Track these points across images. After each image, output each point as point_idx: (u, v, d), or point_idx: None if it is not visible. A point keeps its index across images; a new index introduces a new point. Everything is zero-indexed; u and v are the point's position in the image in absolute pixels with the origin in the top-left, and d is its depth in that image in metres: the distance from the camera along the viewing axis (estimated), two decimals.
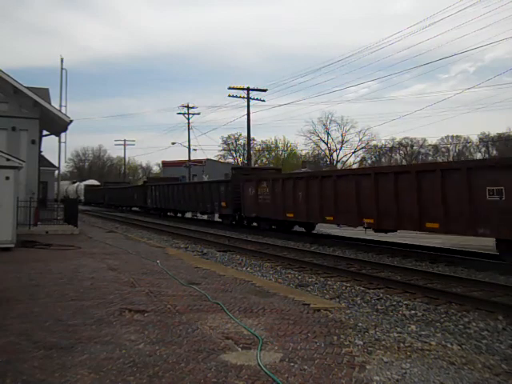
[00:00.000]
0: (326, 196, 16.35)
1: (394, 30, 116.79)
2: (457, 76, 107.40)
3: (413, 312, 7.24)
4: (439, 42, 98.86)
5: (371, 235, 16.46)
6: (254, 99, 35.87)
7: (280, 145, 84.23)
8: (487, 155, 76.87)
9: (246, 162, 46.58)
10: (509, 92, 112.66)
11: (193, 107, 49.49)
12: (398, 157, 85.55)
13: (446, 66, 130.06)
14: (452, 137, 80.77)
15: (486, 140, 77.99)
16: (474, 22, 64.66)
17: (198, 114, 50.19)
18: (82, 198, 63.19)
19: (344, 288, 9.13)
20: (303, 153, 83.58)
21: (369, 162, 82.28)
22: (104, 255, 12.22)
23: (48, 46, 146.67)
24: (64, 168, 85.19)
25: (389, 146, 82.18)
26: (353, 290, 8.92)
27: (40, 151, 21.65)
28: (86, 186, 65.64)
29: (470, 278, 9.68)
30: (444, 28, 70.41)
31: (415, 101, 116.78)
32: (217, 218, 28.44)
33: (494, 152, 76.92)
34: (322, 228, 21.89)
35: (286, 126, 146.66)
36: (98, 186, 67.37)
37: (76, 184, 71.34)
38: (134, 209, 46.79)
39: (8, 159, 13.85)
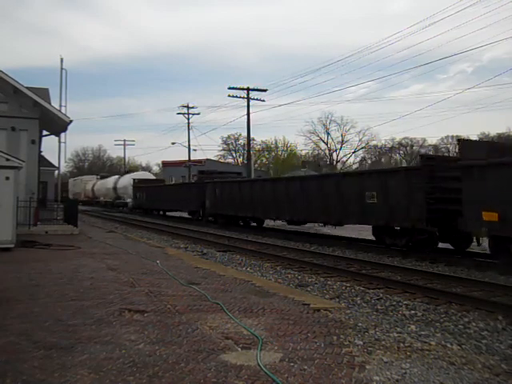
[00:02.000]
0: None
1: (393, 30, 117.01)
2: (455, 76, 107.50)
3: (413, 312, 7.24)
4: (439, 42, 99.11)
5: None
6: (253, 99, 35.90)
7: (280, 145, 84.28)
8: None
9: (245, 162, 46.55)
10: (508, 92, 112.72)
11: (193, 107, 49.60)
12: (397, 157, 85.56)
13: (445, 67, 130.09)
14: (452, 137, 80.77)
15: (485, 140, 77.95)
16: (474, 22, 64.70)
17: (198, 114, 50.30)
18: (128, 200, 42.27)
19: (344, 288, 9.13)
20: (303, 153, 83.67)
21: (369, 162, 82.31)
22: (104, 255, 12.21)
23: (48, 46, 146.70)
24: (64, 168, 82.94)
25: (389, 146, 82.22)
26: (353, 290, 8.92)
27: (40, 151, 21.66)
28: (137, 182, 40.59)
29: (469, 278, 9.68)
30: (444, 28, 70.60)
31: (415, 101, 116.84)
32: None
33: None
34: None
35: (285, 126, 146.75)
36: (156, 180, 45.33)
37: (113, 178, 49.51)
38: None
39: (8, 159, 13.85)
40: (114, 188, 48.11)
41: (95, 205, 55.97)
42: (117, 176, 50.79)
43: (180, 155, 78.88)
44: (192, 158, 50.06)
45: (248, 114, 35.13)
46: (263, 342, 4.97)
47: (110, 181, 50.25)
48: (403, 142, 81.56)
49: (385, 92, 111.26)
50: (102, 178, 56.38)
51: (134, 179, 41.89)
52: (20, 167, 14.42)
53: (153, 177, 49.30)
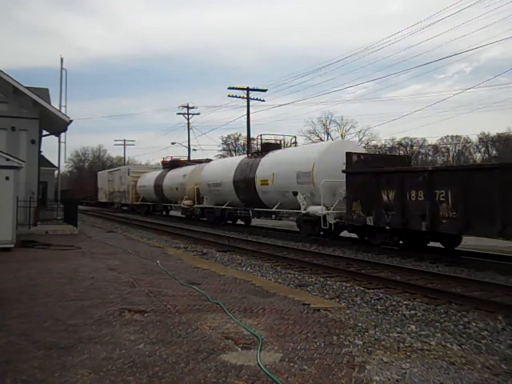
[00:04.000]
0: None
1: (392, 31, 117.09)
2: (453, 76, 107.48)
3: (412, 312, 7.24)
4: (437, 43, 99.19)
5: None
6: (253, 99, 35.95)
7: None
8: (487, 155, 76.88)
9: None
10: (508, 92, 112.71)
11: (193, 107, 49.61)
12: None
13: (444, 67, 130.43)
14: (452, 137, 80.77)
15: (485, 140, 77.93)
16: (472, 23, 64.79)
17: (198, 114, 50.29)
18: (318, 207, 16.37)
19: (344, 288, 9.13)
20: None
21: None
22: (104, 255, 12.21)
23: (48, 47, 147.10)
24: (64, 168, 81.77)
25: (389, 146, 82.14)
26: (352, 290, 8.91)
27: (40, 151, 21.66)
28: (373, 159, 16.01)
29: (469, 278, 9.68)
30: (442, 29, 70.64)
31: (414, 101, 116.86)
32: None
33: (494, 152, 76.92)
34: None
35: (285, 126, 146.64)
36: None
37: (229, 162, 25.32)
38: None
39: (8, 159, 13.84)
40: (247, 179, 21.37)
41: (156, 211, 36.61)
42: (234, 158, 27.30)
43: (180, 155, 78.22)
44: (192, 158, 50.02)
45: (248, 114, 35.16)
46: (263, 342, 4.97)
47: (225, 165, 25.02)
48: (403, 142, 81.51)
49: (384, 92, 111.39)
50: (174, 166, 33.90)
51: (355, 154, 16.11)
52: (20, 167, 14.41)
53: (361, 148, 23.20)
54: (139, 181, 38.75)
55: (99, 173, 53.28)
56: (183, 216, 31.11)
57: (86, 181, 61.58)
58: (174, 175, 32.23)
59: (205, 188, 26.20)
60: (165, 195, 33.18)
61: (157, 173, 36.26)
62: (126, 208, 41.85)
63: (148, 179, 36.93)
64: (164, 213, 36.46)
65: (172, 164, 35.23)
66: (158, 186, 34.03)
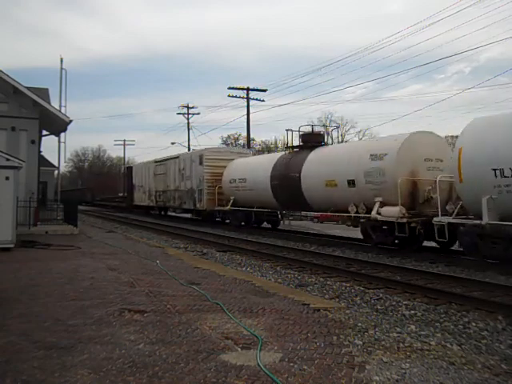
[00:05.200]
0: None
1: (392, 31, 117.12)
2: (453, 76, 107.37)
3: (412, 312, 7.24)
4: (437, 43, 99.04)
5: None
6: (253, 99, 35.94)
7: (280, 145, 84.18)
8: None
9: None
10: (508, 92, 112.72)
11: (192, 107, 49.59)
12: None
13: (443, 67, 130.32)
14: (452, 137, 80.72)
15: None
16: (472, 23, 64.79)
17: (198, 114, 50.23)
18: None
19: (344, 288, 9.13)
20: None
21: None
22: (104, 255, 12.21)
23: (48, 47, 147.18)
24: (63, 168, 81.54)
25: None
26: (352, 290, 8.91)
27: (40, 151, 21.68)
28: None
29: (469, 278, 9.67)
30: (442, 29, 70.67)
31: (414, 101, 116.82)
32: None
33: None
34: None
35: (285, 126, 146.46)
36: None
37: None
38: None
39: (8, 159, 13.84)
40: None
41: (260, 221, 22.91)
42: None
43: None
44: None
45: (248, 114, 35.16)
46: (263, 342, 4.97)
47: None
48: None
49: (384, 92, 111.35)
50: (315, 145, 18.37)
51: None
52: (20, 167, 14.42)
53: None
54: (227, 173, 23.44)
55: (136, 165, 39.50)
56: (361, 238, 15.85)
57: (110, 177, 54.43)
58: (336, 157, 16.48)
59: (487, 179, 10.74)
60: (305, 196, 17.80)
61: (275, 156, 20.82)
62: (194, 216, 28.26)
63: (250, 169, 21.73)
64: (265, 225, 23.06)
65: (311, 140, 18.85)
66: (283, 179, 18.90)
